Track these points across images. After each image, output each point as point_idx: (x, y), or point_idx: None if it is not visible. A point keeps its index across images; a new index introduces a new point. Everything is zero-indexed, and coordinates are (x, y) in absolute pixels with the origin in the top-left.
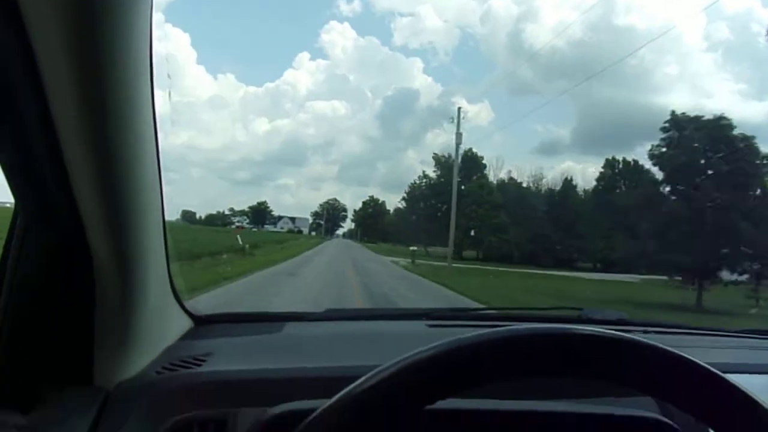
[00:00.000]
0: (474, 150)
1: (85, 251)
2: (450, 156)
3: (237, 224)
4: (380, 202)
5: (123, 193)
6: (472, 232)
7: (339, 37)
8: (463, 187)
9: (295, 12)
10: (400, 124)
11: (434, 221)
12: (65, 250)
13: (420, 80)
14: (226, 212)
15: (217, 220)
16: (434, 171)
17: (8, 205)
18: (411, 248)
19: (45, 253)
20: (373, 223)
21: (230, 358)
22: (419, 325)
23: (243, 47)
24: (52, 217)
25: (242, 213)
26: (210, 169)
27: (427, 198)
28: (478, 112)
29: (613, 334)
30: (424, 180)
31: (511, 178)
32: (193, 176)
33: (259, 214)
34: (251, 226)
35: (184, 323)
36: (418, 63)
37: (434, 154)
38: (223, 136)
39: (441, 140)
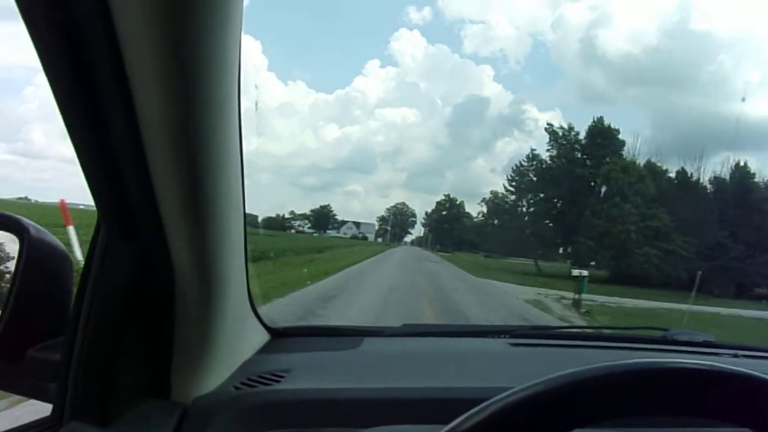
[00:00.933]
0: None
1: (166, 264)
2: (572, 129)
3: (298, 228)
4: (458, 202)
5: (207, 206)
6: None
7: (409, 44)
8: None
9: (365, 20)
10: (470, 132)
11: (550, 222)
12: (147, 263)
13: (490, 88)
14: (287, 215)
15: (276, 224)
16: (548, 149)
17: (81, 206)
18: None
19: (127, 265)
20: (448, 229)
21: (309, 374)
22: (501, 344)
23: (313, 54)
24: (134, 230)
25: (304, 216)
26: (279, 174)
27: (536, 189)
28: (549, 121)
29: (752, 374)
30: (533, 164)
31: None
32: (262, 182)
33: (322, 217)
34: (312, 230)
35: (261, 336)
36: (488, 71)
37: (547, 124)
38: (293, 142)
39: (511, 148)
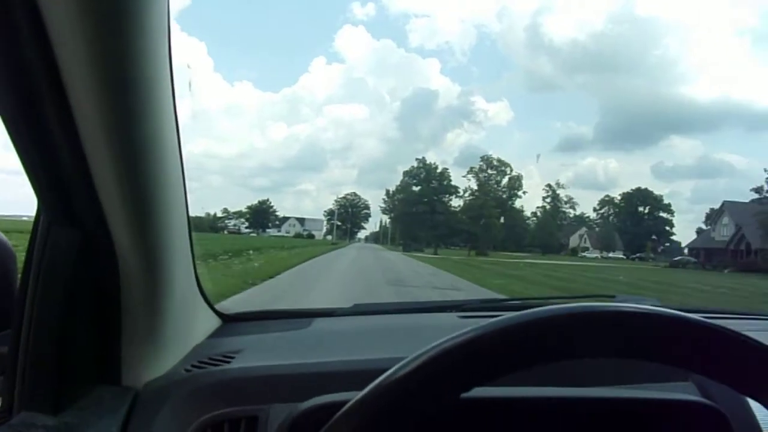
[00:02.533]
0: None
1: (110, 249)
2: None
3: (231, 228)
4: (439, 170)
5: (147, 189)
6: None
7: (354, 40)
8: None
9: (309, 17)
10: (419, 126)
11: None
12: (90, 249)
13: (438, 81)
14: (219, 214)
15: (204, 225)
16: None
17: (25, 218)
18: None
19: (69, 251)
20: (424, 213)
21: (259, 354)
22: (451, 317)
23: (259, 54)
24: (75, 215)
25: (239, 215)
26: (228, 176)
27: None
28: (497, 112)
29: (662, 310)
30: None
31: None
32: (212, 185)
33: (260, 215)
34: (250, 230)
35: (213, 322)
36: (435, 64)
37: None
38: (240, 143)
39: (461, 140)
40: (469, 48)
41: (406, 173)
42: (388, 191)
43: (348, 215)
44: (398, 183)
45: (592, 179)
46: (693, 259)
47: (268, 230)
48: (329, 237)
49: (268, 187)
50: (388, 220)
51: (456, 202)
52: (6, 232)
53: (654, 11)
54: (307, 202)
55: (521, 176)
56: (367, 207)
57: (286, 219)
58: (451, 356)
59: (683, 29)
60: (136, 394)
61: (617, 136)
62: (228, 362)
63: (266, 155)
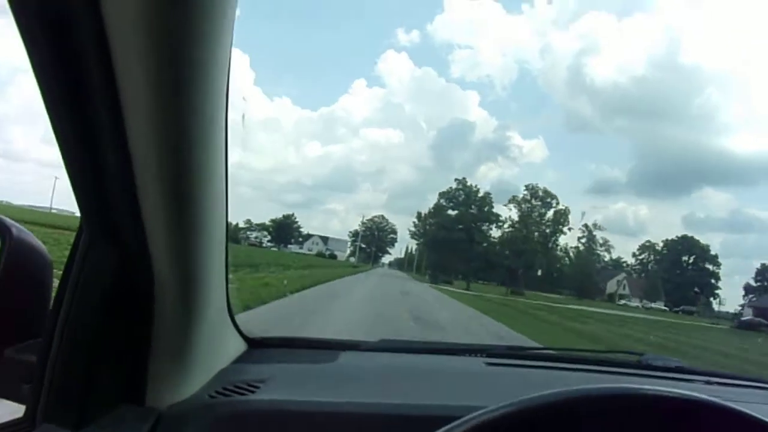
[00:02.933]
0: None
1: (147, 270)
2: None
3: (253, 240)
4: (480, 194)
5: (190, 214)
6: None
7: (396, 66)
8: None
9: (354, 39)
10: (453, 156)
11: None
12: (127, 269)
13: (475, 113)
14: (241, 225)
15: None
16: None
17: (66, 212)
18: None
19: (107, 269)
20: (461, 242)
21: (285, 386)
22: (477, 363)
23: (300, 71)
24: (116, 235)
25: (262, 227)
26: (260, 189)
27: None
28: (532, 149)
29: (708, 400)
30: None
31: None
32: (243, 196)
33: (284, 230)
34: (272, 244)
35: (239, 346)
36: (474, 96)
37: None
38: (275, 157)
39: (494, 174)
40: (510, 83)
41: (442, 194)
42: (419, 214)
43: (374, 238)
44: (432, 205)
45: (621, 224)
46: (766, 321)
47: (290, 246)
48: (352, 259)
49: (298, 204)
50: (415, 247)
51: (494, 233)
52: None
53: (698, 59)
54: (334, 222)
55: (568, 210)
56: (394, 231)
57: (309, 236)
58: (511, 420)
59: (726, 79)
60: (159, 415)
61: (650, 183)
62: (252, 392)
63: (299, 172)
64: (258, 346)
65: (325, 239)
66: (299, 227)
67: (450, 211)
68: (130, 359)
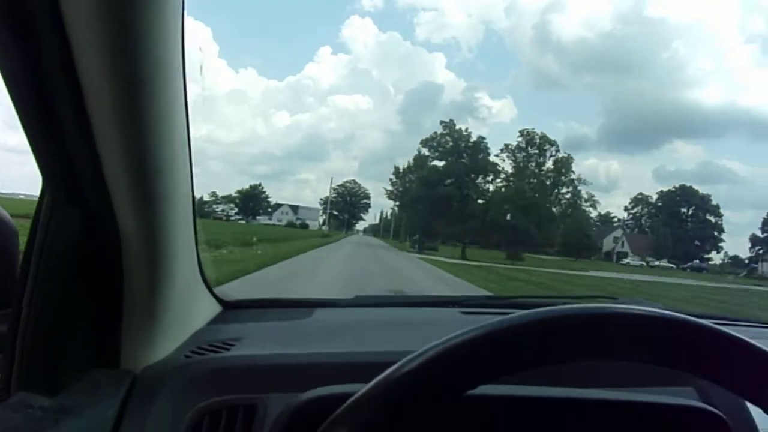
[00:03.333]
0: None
1: (113, 232)
2: None
3: (217, 214)
4: (472, 138)
5: (153, 172)
6: None
7: (361, 32)
8: None
9: (317, 7)
10: (423, 120)
11: None
12: (93, 231)
13: (443, 75)
14: (207, 198)
15: None
16: None
17: (22, 196)
18: None
19: (72, 232)
20: (450, 201)
21: (259, 343)
22: (452, 313)
23: (264, 41)
24: (79, 196)
25: (228, 199)
26: (229, 162)
27: None
28: (501, 109)
29: (674, 315)
30: None
31: None
32: (212, 170)
33: (251, 200)
34: (239, 216)
35: (213, 308)
36: (440, 58)
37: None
38: (243, 129)
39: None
40: (476, 44)
41: (424, 142)
42: (397, 169)
43: (346, 204)
44: (412, 158)
45: (594, 180)
46: None
47: (258, 217)
48: (325, 228)
49: (269, 175)
50: (390, 211)
51: (491, 188)
52: None
53: (664, 13)
54: (306, 191)
55: (571, 158)
56: (367, 196)
57: (278, 206)
58: (458, 353)
59: (693, 32)
60: (134, 378)
61: (620, 138)
62: (227, 350)
63: (268, 143)
64: (233, 308)
65: (294, 208)
66: (267, 197)
67: (436, 162)
68: (102, 323)
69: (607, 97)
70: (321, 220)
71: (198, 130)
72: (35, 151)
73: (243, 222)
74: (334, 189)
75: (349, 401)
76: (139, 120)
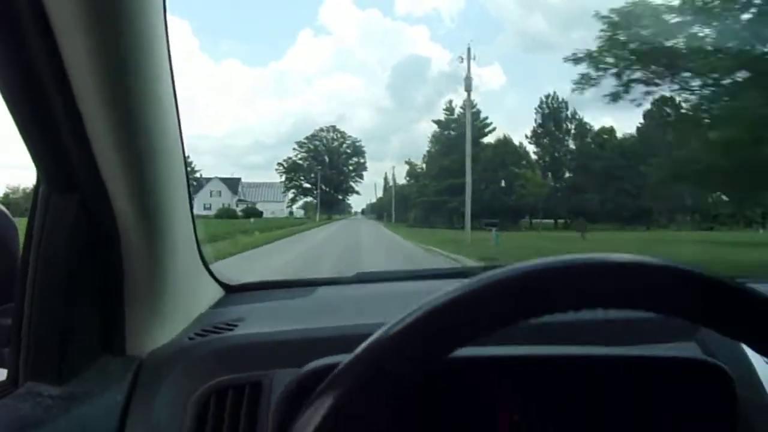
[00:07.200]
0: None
1: (110, 218)
2: None
3: None
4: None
5: (145, 154)
6: None
7: (339, 12)
8: None
9: None
10: (413, 94)
11: None
12: (90, 218)
13: (428, 48)
14: None
15: None
16: None
17: None
18: None
19: (69, 220)
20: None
21: (262, 322)
22: (454, 283)
23: (243, 30)
24: (74, 182)
25: None
26: (221, 156)
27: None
28: (490, 76)
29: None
30: None
31: None
32: (205, 164)
33: None
34: None
35: (216, 291)
36: (424, 31)
37: None
38: (232, 121)
39: (457, 104)
40: (458, 13)
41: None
42: (412, 166)
43: (325, 168)
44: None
45: None
46: None
47: None
48: (289, 209)
49: (262, 165)
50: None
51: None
52: None
53: None
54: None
55: None
56: (359, 151)
57: (208, 180)
58: (440, 313)
59: None
60: (140, 363)
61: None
62: (231, 330)
63: (258, 132)
64: (236, 291)
65: (232, 183)
66: (194, 171)
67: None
68: (106, 310)
69: None
70: (287, 198)
71: (188, 127)
72: (27, 141)
73: None
74: (303, 143)
75: (334, 371)
76: (127, 101)
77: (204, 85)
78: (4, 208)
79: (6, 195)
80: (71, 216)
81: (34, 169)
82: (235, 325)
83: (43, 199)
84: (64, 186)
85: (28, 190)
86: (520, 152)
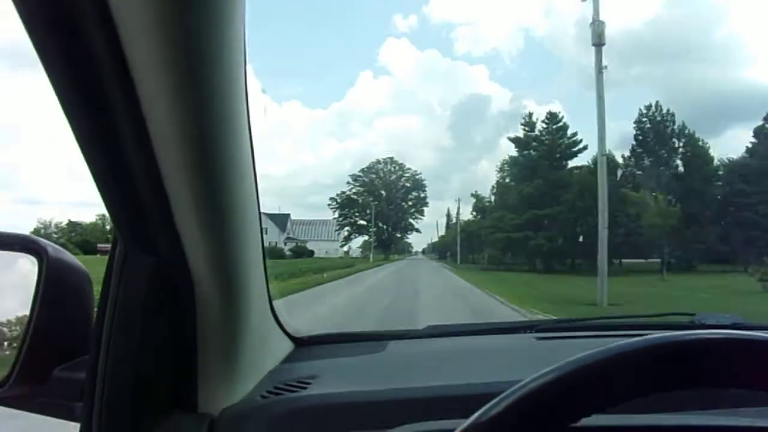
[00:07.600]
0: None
1: (186, 277)
2: None
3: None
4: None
5: (223, 216)
6: None
7: (399, 53)
8: None
9: (351, 33)
10: (472, 133)
11: None
12: (166, 277)
13: (487, 87)
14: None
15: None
16: None
17: None
18: None
19: (145, 278)
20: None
21: (336, 380)
22: (527, 338)
23: (304, 72)
24: (151, 244)
25: None
26: (282, 196)
27: None
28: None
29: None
30: None
31: None
32: (266, 206)
33: None
34: None
35: (286, 346)
36: (483, 71)
37: None
38: (292, 162)
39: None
40: (518, 53)
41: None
42: (479, 198)
43: (381, 203)
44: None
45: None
46: None
47: None
48: (355, 249)
49: (322, 205)
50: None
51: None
52: None
53: None
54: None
55: None
56: (419, 185)
57: None
58: (560, 385)
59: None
60: (212, 421)
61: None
62: (304, 388)
63: (317, 172)
64: (305, 345)
65: (280, 219)
66: None
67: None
68: (179, 367)
69: (659, 88)
70: (341, 236)
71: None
72: (106, 203)
73: None
74: (358, 176)
75: None
76: (205, 164)
77: (267, 126)
78: (80, 263)
79: (37, 230)
80: (147, 276)
81: (70, 206)
82: (308, 383)
83: (119, 259)
84: (142, 248)
85: (61, 225)
86: (626, 174)
